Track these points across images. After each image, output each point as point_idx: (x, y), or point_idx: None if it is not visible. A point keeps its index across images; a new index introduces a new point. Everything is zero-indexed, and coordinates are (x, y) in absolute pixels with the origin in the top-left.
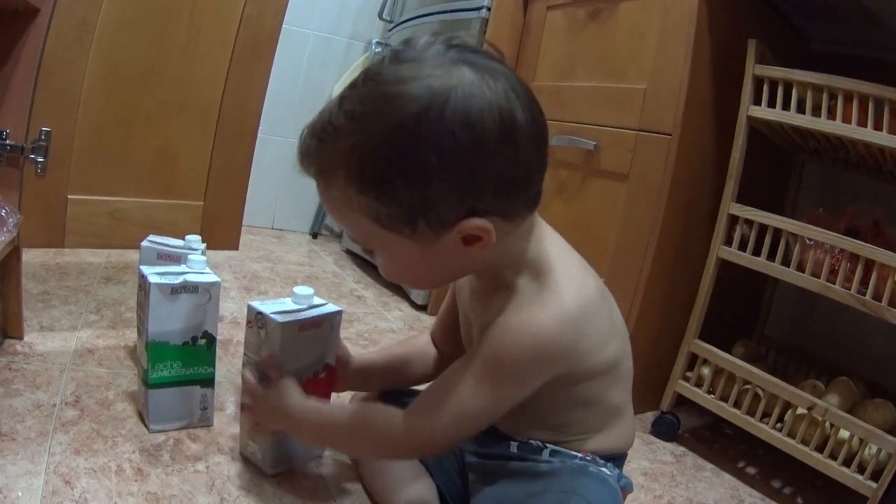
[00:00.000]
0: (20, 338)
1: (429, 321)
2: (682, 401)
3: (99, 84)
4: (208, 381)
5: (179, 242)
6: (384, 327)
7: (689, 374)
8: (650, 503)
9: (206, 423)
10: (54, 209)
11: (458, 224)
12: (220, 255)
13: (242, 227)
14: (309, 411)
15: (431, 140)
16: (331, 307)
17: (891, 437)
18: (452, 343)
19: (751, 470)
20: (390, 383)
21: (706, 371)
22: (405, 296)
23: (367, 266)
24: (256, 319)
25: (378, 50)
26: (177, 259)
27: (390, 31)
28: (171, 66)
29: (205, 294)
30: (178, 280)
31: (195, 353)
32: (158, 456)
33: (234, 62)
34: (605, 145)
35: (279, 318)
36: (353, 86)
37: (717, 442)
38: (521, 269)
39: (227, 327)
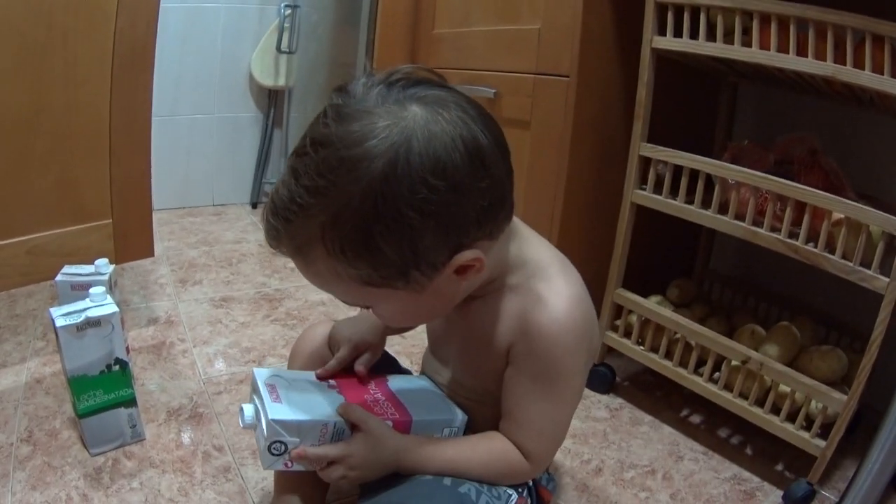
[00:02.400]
0: None
1: None
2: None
3: None
4: (131, 402)
5: (90, 269)
6: (315, 300)
7: (617, 322)
8: (577, 469)
9: (138, 438)
10: None
11: (450, 263)
12: (159, 245)
13: (182, 211)
14: (424, 457)
15: (406, 196)
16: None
17: (836, 394)
18: None
19: (695, 419)
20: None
21: (634, 319)
22: None
23: None
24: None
25: (288, 12)
26: (89, 286)
27: None
28: (55, 101)
29: (107, 325)
30: (81, 318)
31: (112, 379)
32: (100, 479)
33: (115, 80)
34: (504, 92)
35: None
36: (301, 153)
37: (660, 388)
38: (514, 269)
39: (162, 328)
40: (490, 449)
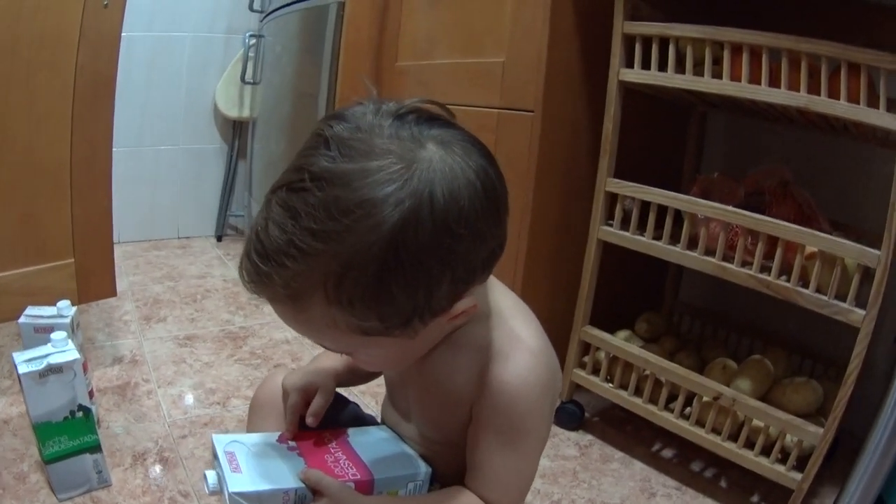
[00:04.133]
0: None
1: None
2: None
3: None
4: (96, 448)
5: (52, 311)
6: (279, 338)
7: (585, 359)
8: None
9: (105, 483)
10: None
11: (451, 310)
12: (124, 280)
13: (147, 244)
14: None
15: (429, 245)
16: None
17: (812, 427)
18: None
19: (667, 453)
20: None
21: (602, 356)
22: None
23: None
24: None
25: (252, 42)
26: (51, 329)
27: (262, 21)
28: (17, 135)
29: (69, 372)
30: (43, 365)
31: (76, 425)
32: None
33: (76, 114)
34: (468, 127)
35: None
36: (296, 188)
37: (630, 422)
38: (481, 320)
39: (126, 368)
40: (457, 501)
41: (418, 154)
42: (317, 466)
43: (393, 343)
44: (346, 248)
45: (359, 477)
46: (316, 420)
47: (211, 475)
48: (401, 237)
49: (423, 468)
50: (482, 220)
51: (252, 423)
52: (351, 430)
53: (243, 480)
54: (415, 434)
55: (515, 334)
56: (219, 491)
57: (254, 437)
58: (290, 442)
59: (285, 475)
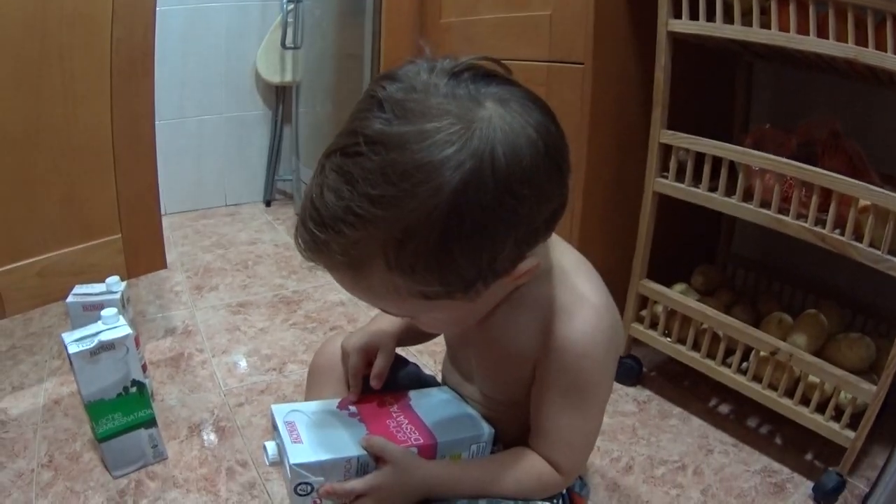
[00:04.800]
0: None
1: None
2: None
3: None
4: (150, 422)
5: (101, 287)
6: (334, 300)
7: (643, 313)
8: (607, 468)
9: (160, 457)
10: None
11: (514, 271)
12: (173, 251)
13: (195, 213)
14: (454, 481)
15: (492, 208)
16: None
17: (866, 384)
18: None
19: (724, 408)
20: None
21: (660, 310)
22: None
23: None
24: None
25: (290, 7)
26: (101, 306)
27: None
28: (55, 116)
29: (121, 348)
30: (94, 343)
31: (130, 401)
32: (123, 502)
33: (115, 91)
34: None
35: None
36: (351, 153)
37: (687, 377)
38: (543, 278)
39: (179, 339)
40: (521, 466)
41: (477, 113)
42: (379, 432)
43: (455, 306)
44: (405, 214)
45: (421, 441)
46: (380, 382)
47: (271, 446)
48: (462, 200)
49: (486, 429)
50: (545, 180)
51: (311, 389)
52: (412, 393)
53: (304, 451)
54: (477, 395)
55: (578, 291)
56: (279, 462)
57: (313, 406)
58: (350, 407)
59: (347, 443)
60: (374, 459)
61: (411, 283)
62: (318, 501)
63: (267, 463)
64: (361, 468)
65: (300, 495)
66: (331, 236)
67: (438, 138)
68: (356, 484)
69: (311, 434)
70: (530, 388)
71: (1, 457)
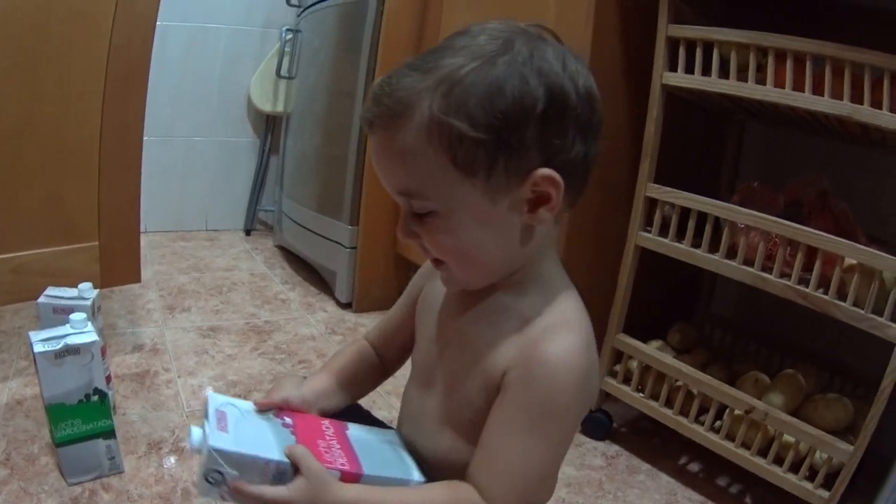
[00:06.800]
0: None
1: (353, 320)
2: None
3: None
4: (110, 433)
5: (73, 292)
6: (305, 334)
7: (617, 367)
8: None
9: (117, 470)
10: None
11: (532, 176)
12: (149, 269)
13: (175, 234)
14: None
15: (542, 79)
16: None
17: (842, 444)
18: (396, 350)
19: (693, 467)
20: (343, 403)
21: (634, 365)
22: (331, 294)
23: (297, 262)
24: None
25: (289, 37)
26: (71, 310)
27: (299, 16)
28: (46, 112)
29: (87, 354)
30: (60, 345)
31: (90, 409)
32: None
33: (107, 96)
34: None
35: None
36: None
37: (658, 434)
38: (532, 284)
39: (147, 356)
40: (445, 494)
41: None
42: (306, 447)
43: (473, 204)
44: (460, 62)
45: (346, 468)
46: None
47: (196, 431)
48: (521, 62)
49: (417, 475)
50: (589, 115)
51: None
52: (352, 425)
53: (227, 440)
54: (432, 408)
55: (566, 316)
56: (199, 449)
57: (250, 405)
58: (286, 418)
59: (271, 446)
60: (294, 471)
61: (448, 134)
62: (225, 497)
63: (188, 447)
64: (279, 475)
65: (209, 483)
66: (393, 85)
67: (496, 42)
68: (265, 490)
69: (238, 428)
70: (490, 408)
71: None
